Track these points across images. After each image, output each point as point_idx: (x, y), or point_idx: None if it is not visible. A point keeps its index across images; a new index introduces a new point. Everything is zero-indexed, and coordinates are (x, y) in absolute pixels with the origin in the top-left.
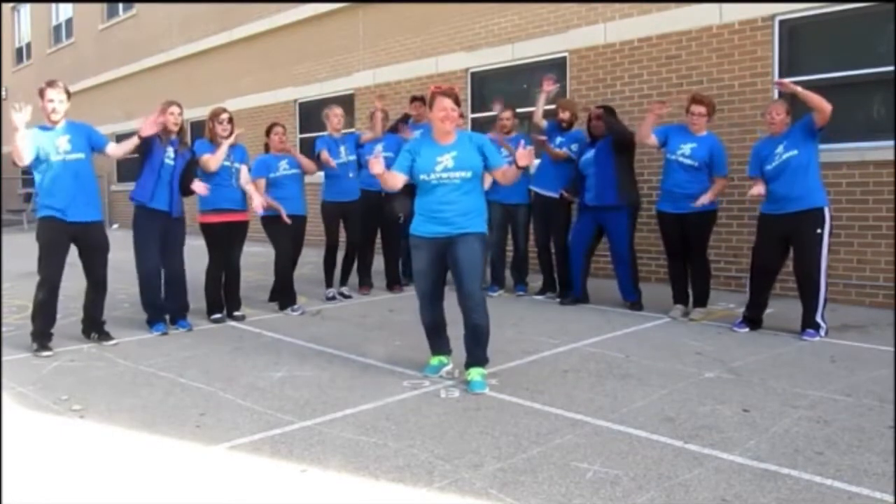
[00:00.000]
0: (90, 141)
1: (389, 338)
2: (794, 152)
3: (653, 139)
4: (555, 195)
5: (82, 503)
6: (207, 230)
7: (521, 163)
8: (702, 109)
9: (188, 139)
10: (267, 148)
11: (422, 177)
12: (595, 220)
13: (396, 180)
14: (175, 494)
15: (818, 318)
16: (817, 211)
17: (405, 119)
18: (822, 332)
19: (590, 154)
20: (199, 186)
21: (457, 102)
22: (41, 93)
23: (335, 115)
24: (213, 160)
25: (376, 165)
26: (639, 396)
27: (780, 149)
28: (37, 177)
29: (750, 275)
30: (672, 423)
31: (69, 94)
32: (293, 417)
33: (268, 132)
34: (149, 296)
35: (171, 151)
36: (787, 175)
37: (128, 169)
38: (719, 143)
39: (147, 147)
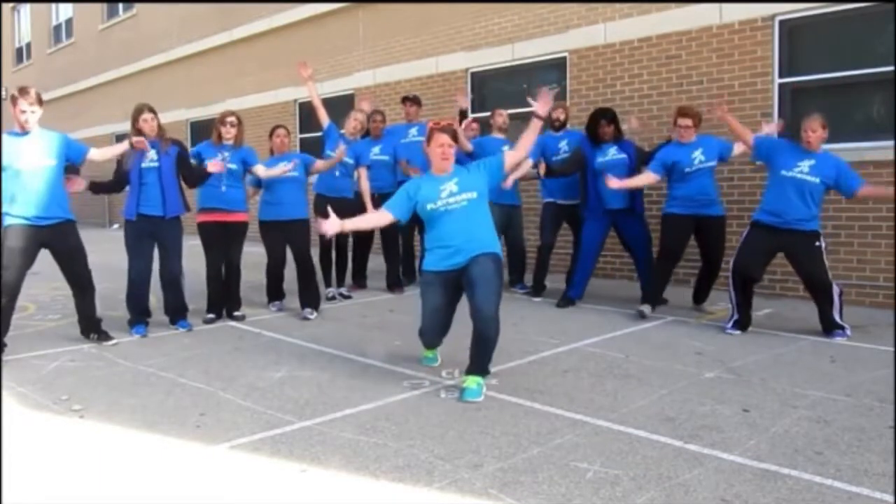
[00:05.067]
0: (67, 152)
1: (389, 338)
2: (817, 180)
3: (654, 178)
4: (575, 202)
5: (82, 503)
6: (199, 229)
7: (541, 110)
8: (688, 122)
9: (170, 135)
10: (272, 150)
11: (429, 206)
12: (612, 223)
13: (383, 217)
14: (175, 494)
15: (839, 320)
16: (813, 232)
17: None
18: (848, 332)
19: (606, 157)
20: (214, 165)
21: (454, 137)
22: (13, 101)
23: (354, 119)
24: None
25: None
26: (639, 396)
27: (804, 164)
28: (4, 184)
29: (732, 282)
30: (672, 423)
31: (41, 102)
32: (293, 417)
33: (271, 134)
34: (134, 299)
35: (153, 154)
36: (797, 194)
37: None
38: (710, 137)
39: (124, 164)
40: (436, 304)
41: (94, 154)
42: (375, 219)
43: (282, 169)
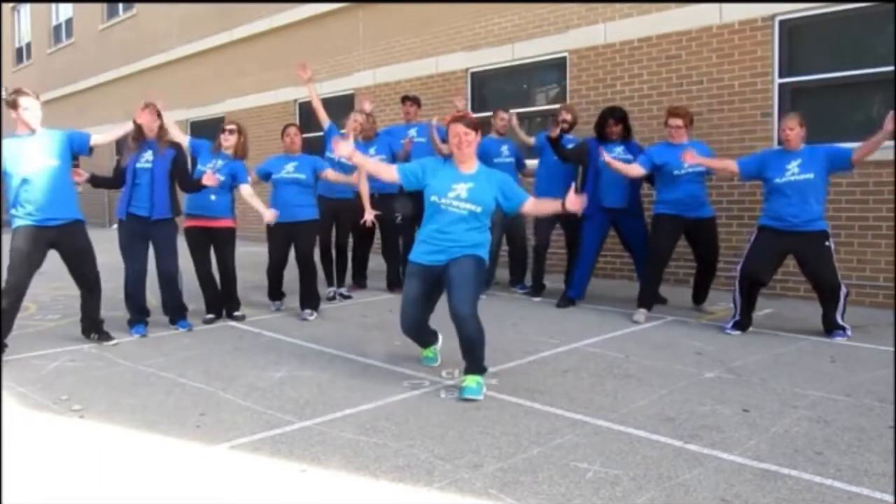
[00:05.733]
0: (71, 146)
1: (389, 338)
2: (810, 176)
3: (641, 171)
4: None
5: (82, 503)
6: (185, 234)
7: (570, 208)
8: (679, 122)
9: (170, 136)
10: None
11: (433, 198)
12: (611, 222)
13: (391, 173)
14: (175, 494)
15: (841, 321)
16: (822, 232)
17: None
18: (849, 332)
19: (612, 155)
20: (208, 178)
21: (472, 126)
22: (13, 103)
23: (354, 120)
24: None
25: (344, 147)
26: (639, 396)
27: (793, 165)
28: (12, 185)
29: (739, 285)
30: (672, 423)
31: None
32: (293, 417)
33: (283, 133)
34: (131, 299)
35: (148, 155)
36: (797, 196)
37: None
38: (701, 145)
39: (122, 161)
40: (412, 295)
41: (98, 139)
42: (385, 169)
43: (260, 206)
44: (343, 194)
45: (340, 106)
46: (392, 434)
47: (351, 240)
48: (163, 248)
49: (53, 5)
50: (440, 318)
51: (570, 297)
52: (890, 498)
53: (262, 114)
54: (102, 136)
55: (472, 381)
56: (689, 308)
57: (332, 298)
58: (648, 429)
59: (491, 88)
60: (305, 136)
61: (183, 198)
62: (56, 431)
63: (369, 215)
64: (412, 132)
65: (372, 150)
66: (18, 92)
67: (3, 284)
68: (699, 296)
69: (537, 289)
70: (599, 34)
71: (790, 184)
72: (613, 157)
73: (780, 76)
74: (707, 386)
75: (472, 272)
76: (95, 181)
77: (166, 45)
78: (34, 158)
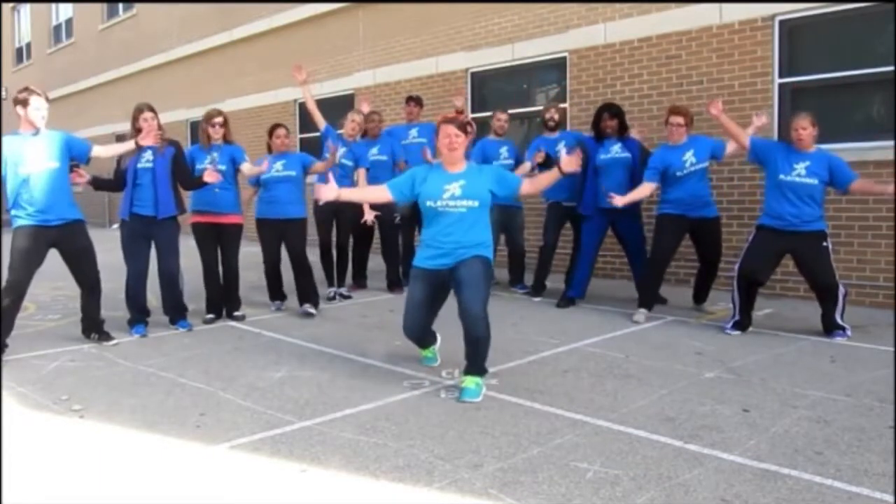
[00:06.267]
0: (70, 151)
1: (389, 338)
2: (815, 181)
3: (653, 186)
4: (574, 203)
5: (82, 503)
6: (193, 229)
7: (566, 168)
8: (680, 120)
9: (169, 135)
10: (270, 149)
11: (428, 203)
12: (610, 222)
13: (381, 193)
14: (175, 494)
15: (840, 321)
16: (820, 232)
17: None
18: (849, 332)
19: (609, 154)
20: (209, 175)
21: (462, 129)
22: (24, 101)
23: (352, 121)
24: (103, 151)
25: (328, 191)
26: (639, 396)
27: (801, 167)
28: (9, 186)
29: (737, 284)
30: (672, 423)
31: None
32: (293, 417)
33: (270, 133)
34: (132, 299)
35: (148, 154)
36: (799, 197)
37: None
38: (702, 137)
39: (122, 163)
40: (417, 300)
41: (99, 151)
42: (374, 193)
43: (260, 168)
44: None
45: (340, 106)
46: (392, 434)
47: (350, 240)
48: (165, 248)
49: (53, 5)
50: (440, 318)
51: (570, 297)
52: (890, 498)
53: (262, 114)
54: (104, 149)
55: (471, 381)
56: (690, 308)
57: (332, 298)
58: (648, 429)
59: (491, 88)
60: (304, 136)
61: (187, 195)
62: (56, 431)
63: (369, 215)
64: (413, 132)
65: (375, 150)
66: (30, 90)
67: (4, 283)
68: (700, 296)
69: (538, 289)
70: (599, 34)
71: (794, 184)
72: (612, 156)
73: (780, 76)
74: (707, 386)
75: (482, 273)
76: (97, 183)
77: (166, 45)
78: (37, 159)
